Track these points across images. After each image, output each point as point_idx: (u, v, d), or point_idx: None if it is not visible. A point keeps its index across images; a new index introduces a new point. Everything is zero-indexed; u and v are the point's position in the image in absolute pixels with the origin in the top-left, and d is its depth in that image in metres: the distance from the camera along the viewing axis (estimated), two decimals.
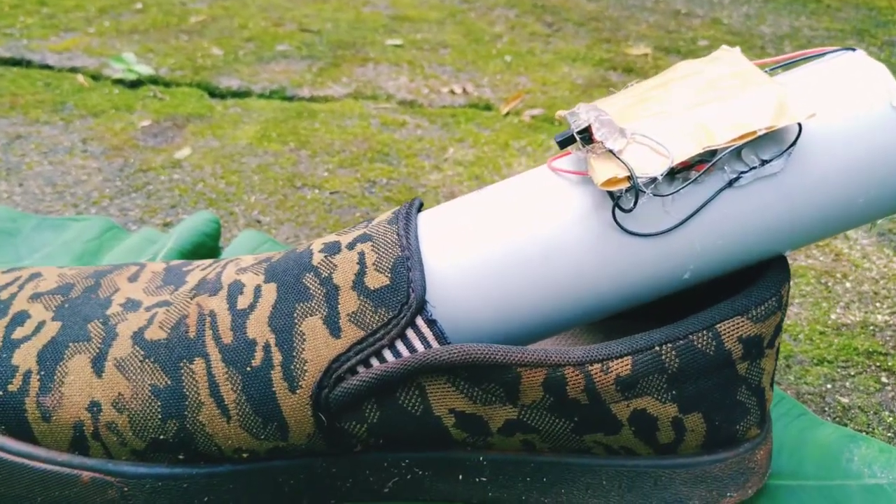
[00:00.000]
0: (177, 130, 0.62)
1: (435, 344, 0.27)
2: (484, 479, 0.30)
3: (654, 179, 0.26)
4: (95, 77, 0.70)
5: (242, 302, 0.28)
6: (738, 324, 0.28)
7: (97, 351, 0.28)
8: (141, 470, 0.28)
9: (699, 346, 0.28)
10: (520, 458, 0.30)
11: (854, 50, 0.29)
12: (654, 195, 0.26)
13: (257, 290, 0.28)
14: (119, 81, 0.69)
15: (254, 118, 0.66)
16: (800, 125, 0.27)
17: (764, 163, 0.27)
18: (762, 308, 0.28)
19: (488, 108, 0.74)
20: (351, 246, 0.29)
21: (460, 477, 0.30)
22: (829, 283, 0.49)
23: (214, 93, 0.70)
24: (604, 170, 0.27)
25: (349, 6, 0.99)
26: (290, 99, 0.71)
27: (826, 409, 0.39)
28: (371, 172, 0.59)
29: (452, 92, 0.76)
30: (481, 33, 0.95)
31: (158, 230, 0.48)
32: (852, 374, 0.41)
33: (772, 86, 0.27)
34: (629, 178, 0.26)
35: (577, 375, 0.27)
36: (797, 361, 0.42)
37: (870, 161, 0.27)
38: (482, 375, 0.27)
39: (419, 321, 0.27)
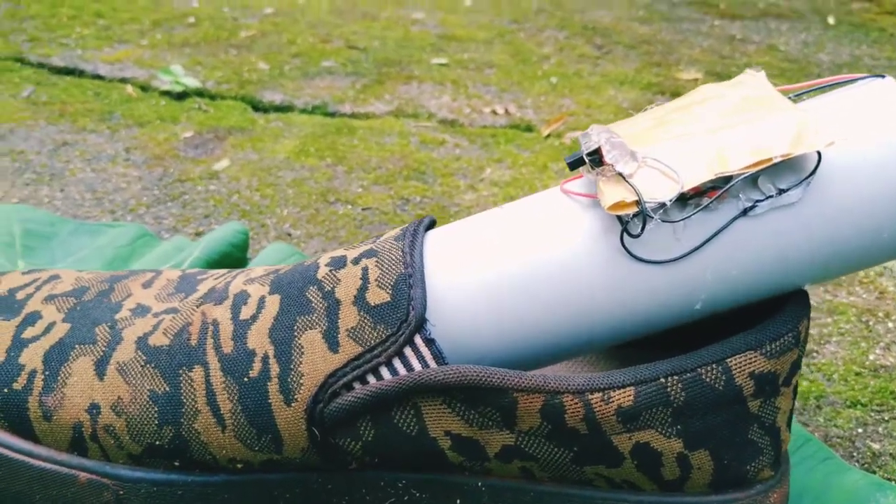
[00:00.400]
0: (217, 142, 0.63)
1: (432, 364, 0.27)
2: None
3: (662, 205, 0.25)
4: (144, 88, 0.72)
5: (246, 312, 0.28)
6: (750, 359, 0.27)
7: (101, 354, 0.28)
8: (137, 474, 0.28)
9: (707, 380, 0.27)
10: (519, 485, 0.29)
11: (884, 77, 0.28)
12: (663, 221, 0.26)
13: (261, 300, 0.28)
14: (166, 93, 0.71)
15: (294, 133, 0.67)
16: (819, 154, 0.26)
17: (781, 192, 0.26)
18: (777, 344, 0.27)
19: (529, 129, 0.73)
20: (356, 261, 0.28)
21: (458, 502, 0.29)
22: (871, 322, 0.47)
23: (258, 106, 0.72)
24: (612, 193, 0.26)
25: (398, 24, 0.99)
26: (332, 115, 0.72)
27: (855, 454, 0.37)
28: (405, 190, 0.59)
29: (494, 112, 0.76)
30: (529, 54, 0.95)
31: (190, 239, 0.48)
32: (886, 418, 0.39)
33: (792, 112, 0.26)
34: (637, 202, 0.26)
35: (577, 404, 0.26)
36: (829, 402, 0.40)
37: (891, 192, 0.26)
38: (478, 398, 0.26)
39: (417, 340, 0.27)
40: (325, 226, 0.53)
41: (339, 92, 0.76)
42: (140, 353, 0.28)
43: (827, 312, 0.48)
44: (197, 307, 0.29)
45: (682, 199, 0.26)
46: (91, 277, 0.33)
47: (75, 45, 0.80)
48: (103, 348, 0.28)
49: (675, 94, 0.84)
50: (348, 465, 0.28)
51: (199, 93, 0.72)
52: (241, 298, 0.29)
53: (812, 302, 0.49)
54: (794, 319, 0.27)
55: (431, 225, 0.31)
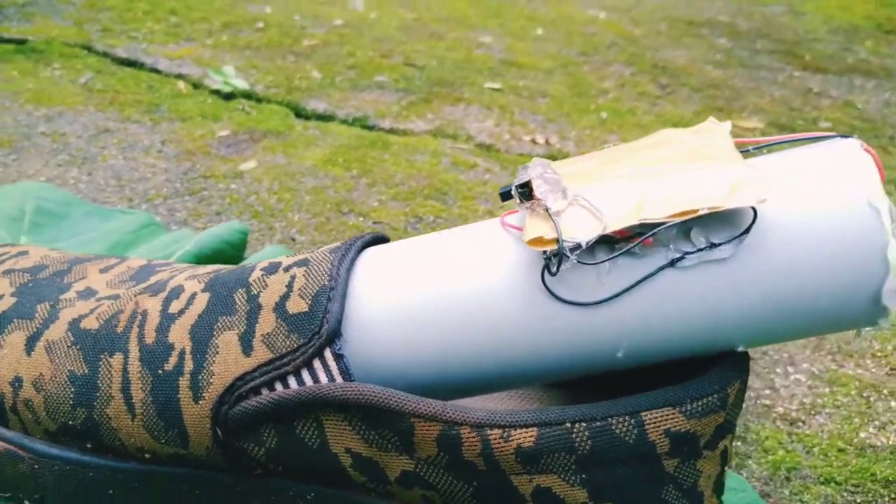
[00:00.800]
0: (251, 144, 0.65)
1: (339, 379, 0.27)
2: None
3: (578, 245, 0.25)
4: (196, 86, 0.74)
5: (175, 306, 0.29)
6: (666, 415, 0.26)
7: (35, 330, 0.29)
8: (53, 451, 0.29)
9: (618, 431, 0.26)
10: None
11: (849, 137, 0.27)
12: (580, 262, 0.25)
13: (192, 297, 0.29)
14: (216, 92, 0.73)
15: (328, 142, 0.68)
16: (755, 212, 0.25)
17: (713, 246, 0.25)
18: (699, 404, 0.26)
19: None
20: (287, 268, 0.29)
21: None
22: (872, 399, 0.44)
23: (301, 113, 0.73)
24: (534, 228, 0.26)
25: (462, 46, 1.00)
26: (371, 128, 0.73)
27: None
28: (422, 208, 0.59)
29: (534, 141, 0.75)
30: (587, 87, 0.94)
31: (193, 233, 0.50)
32: (858, 500, 0.37)
33: (733, 165, 0.25)
34: (557, 240, 0.25)
35: (474, 437, 0.25)
36: (800, 476, 0.38)
37: (835, 260, 0.25)
38: (377, 420, 0.26)
39: (327, 353, 0.27)
40: (332, 235, 0.54)
41: (383, 107, 0.77)
42: (69, 334, 0.29)
43: (827, 382, 0.45)
44: (134, 296, 0.30)
45: (610, 243, 0.26)
46: (56, 256, 0.34)
47: (143, 38, 0.83)
48: (38, 325, 0.29)
49: None
50: (253, 470, 0.28)
51: (247, 95, 0.74)
52: (176, 293, 0.29)
53: (814, 370, 0.47)
54: (721, 381, 0.26)
55: (379, 241, 0.31)
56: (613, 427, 0.26)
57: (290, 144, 0.66)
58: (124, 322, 0.29)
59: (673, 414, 0.26)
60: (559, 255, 0.25)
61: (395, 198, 0.60)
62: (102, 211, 0.51)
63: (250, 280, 0.29)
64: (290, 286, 0.28)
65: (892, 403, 0.44)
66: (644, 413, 0.26)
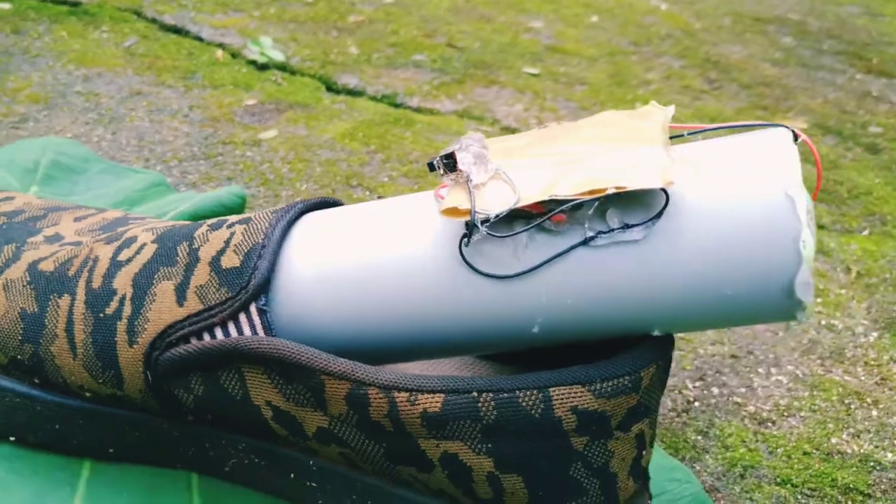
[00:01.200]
0: (276, 114, 0.67)
1: (261, 333, 0.28)
2: (314, 484, 0.30)
3: (488, 218, 0.25)
4: (234, 55, 0.76)
5: (125, 255, 0.30)
6: (575, 392, 0.26)
7: None
8: (4, 383, 0.31)
9: (524, 404, 0.26)
10: (347, 473, 0.29)
11: (780, 126, 0.26)
12: (489, 234, 0.25)
13: (142, 247, 0.30)
14: (252, 62, 0.75)
15: (353, 116, 0.69)
16: (667, 195, 0.24)
17: (626, 227, 0.25)
18: (609, 384, 0.26)
19: None
20: (231, 225, 0.30)
21: (292, 476, 0.30)
22: (853, 407, 0.43)
23: (331, 87, 0.74)
24: (451, 198, 0.26)
25: (510, 29, 1.00)
26: (398, 106, 0.73)
27: None
28: (431, 187, 0.60)
29: None
30: (630, 77, 0.93)
31: (199, 195, 0.52)
32: None
33: (651, 148, 0.25)
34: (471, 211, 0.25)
35: (381, 399, 0.26)
36: (756, 474, 0.38)
37: (747, 249, 0.24)
38: (291, 375, 0.27)
39: (252, 308, 0.28)
40: None
41: (414, 85, 0.78)
42: (27, 274, 0.31)
43: (809, 386, 0.44)
44: (92, 243, 0.32)
45: (528, 218, 0.26)
46: (38, 203, 0.36)
47: (192, 6, 0.86)
48: (0, 264, 0.31)
49: None
50: (185, 416, 0.30)
51: (282, 66, 0.76)
52: (128, 243, 0.31)
53: (798, 373, 0.45)
54: (634, 363, 0.26)
55: (330, 206, 0.32)
56: (520, 400, 0.26)
57: (314, 117, 0.67)
58: (76, 266, 0.31)
59: (581, 392, 0.26)
60: (471, 227, 0.25)
61: (406, 175, 0.61)
62: (117, 169, 0.53)
63: (195, 234, 0.30)
64: (227, 242, 0.29)
65: (874, 412, 0.43)
66: (552, 389, 0.26)
